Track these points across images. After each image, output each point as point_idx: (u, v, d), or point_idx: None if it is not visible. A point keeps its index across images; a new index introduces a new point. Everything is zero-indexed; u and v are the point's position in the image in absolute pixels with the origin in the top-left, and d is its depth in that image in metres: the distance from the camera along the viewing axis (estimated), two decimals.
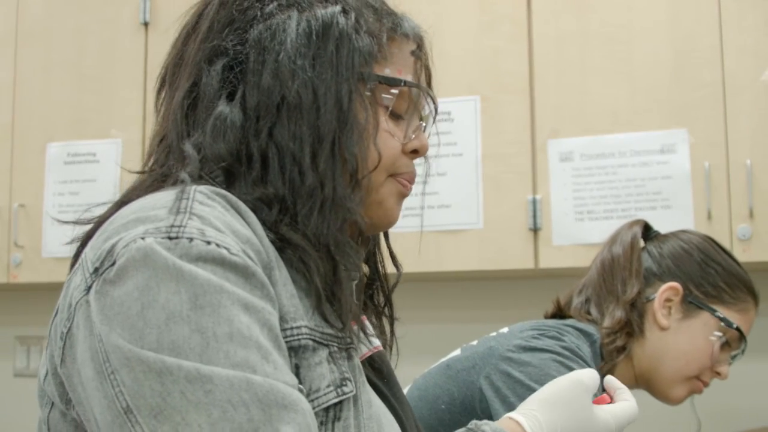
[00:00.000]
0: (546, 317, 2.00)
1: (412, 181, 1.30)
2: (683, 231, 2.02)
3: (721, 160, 2.92)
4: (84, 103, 3.54)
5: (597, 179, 3.01)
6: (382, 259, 1.41)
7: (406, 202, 3.32)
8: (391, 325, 1.40)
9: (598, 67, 3.06)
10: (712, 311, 1.93)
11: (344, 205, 1.17)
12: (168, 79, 1.29)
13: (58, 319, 1.09)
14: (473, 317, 2.99)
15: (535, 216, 3.02)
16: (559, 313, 1.98)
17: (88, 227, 1.18)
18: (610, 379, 1.38)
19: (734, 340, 1.96)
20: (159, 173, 1.21)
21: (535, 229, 3.02)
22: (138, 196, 1.15)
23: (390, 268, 1.41)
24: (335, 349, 1.14)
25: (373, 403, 1.17)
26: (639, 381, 1.97)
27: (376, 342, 1.30)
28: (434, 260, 3.13)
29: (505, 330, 1.89)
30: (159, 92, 1.30)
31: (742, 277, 1.97)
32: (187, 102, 1.22)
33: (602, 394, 1.34)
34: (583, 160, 3.02)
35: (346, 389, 1.12)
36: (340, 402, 1.11)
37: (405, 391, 1.93)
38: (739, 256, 2.79)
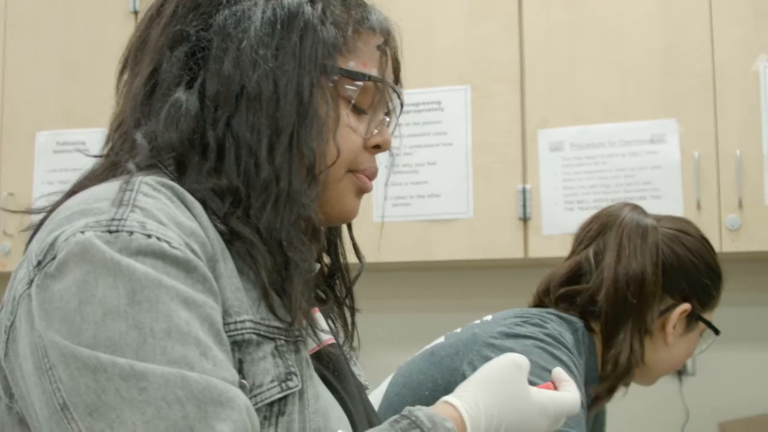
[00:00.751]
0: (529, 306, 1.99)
1: (372, 177, 1.28)
2: (682, 230, 1.95)
3: (711, 150, 2.92)
4: (73, 92, 3.53)
5: (587, 169, 3.01)
6: (344, 250, 1.39)
7: (397, 192, 3.34)
8: (352, 315, 1.38)
9: (588, 58, 3.06)
10: (706, 322, 1.94)
11: (299, 201, 1.15)
12: (130, 62, 1.27)
13: (3, 312, 1.08)
14: (462, 306, 3.00)
15: (524, 205, 3.03)
16: (541, 304, 1.98)
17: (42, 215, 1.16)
18: (558, 371, 1.36)
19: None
20: (110, 162, 1.20)
21: (525, 219, 3.03)
22: (88, 185, 1.14)
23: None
24: (282, 342, 1.12)
25: (320, 396, 1.15)
26: None
27: (327, 336, 1.28)
28: (424, 249, 3.13)
29: (488, 318, 1.89)
30: (120, 75, 1.28)
31: (722, 279, 1.97)
32: (146, 88, 1.20)
33: (547, 382, 1.34)
34: (573, 150, 3.03)
35: (290, 383, 1.10)
36: (285, 397, 1.10)
37: (389, 378, 1.93)
38: (727, 247, 2.82)
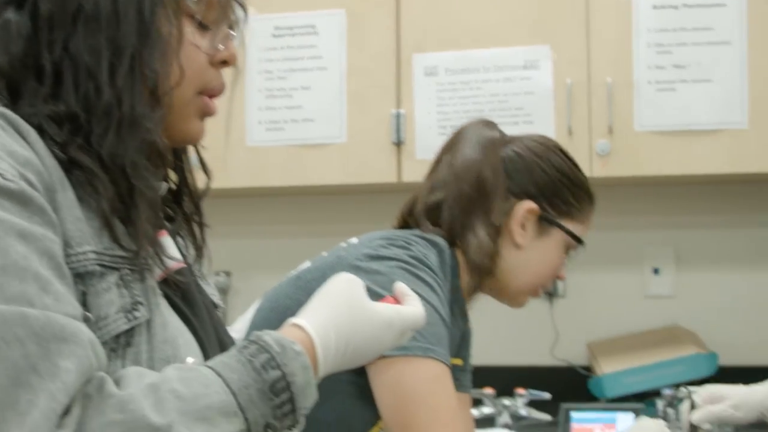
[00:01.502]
0: (394, 228, 1.99)
1: (219, 93, 1.25)
2: (533, 140, 2.00)
3: (583, 77, 2.95)
4: None
5: (461, 94, 3.02)
6: (190, 166, 1.34)
7: (270, 117, 3.29)
8: (202, 231, 1.35)
9: None
10: (563, 228, 1.95)
11: (142, 125, 1.11)
12: None
13: None
14: (337, 231, 2.98)
15: (398, 130, 3.03)
16: (406, 225, 1.98)
17: None
18: (400, 285, 1.36)
19: (574, 247, 1.99)
20: None
21: (399, 143, 3.03)
22: None
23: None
24: (127, 271, 1.09)
25: (169, 325, 1.14)
26: (485, 289, 1.98)
27: (175, 261, 1.24)
28: (297, 174, 3.11)
29: (354, 240, 1.89)
30: None
31: (587, 188, 1.98)
32: None
33: (387, 296, 1.33)
34: (448, 75, 3.03)
35: (137, 314, 1.08)
36: (132, 328, 1.08)
37: (255, 304, 1.92)
38: (598, 171, 2.87)
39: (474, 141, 1.96)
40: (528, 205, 1.91)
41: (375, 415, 1.75)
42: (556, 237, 1.95)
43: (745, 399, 1.98)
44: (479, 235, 1.89)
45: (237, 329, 1.90)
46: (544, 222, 1.93)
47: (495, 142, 1.95)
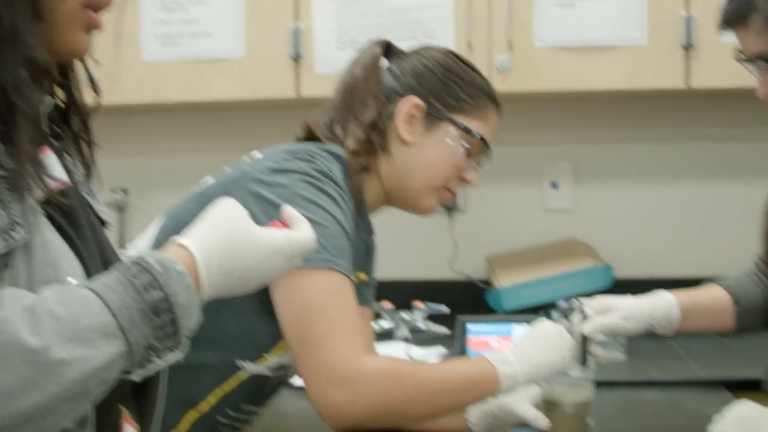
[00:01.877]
0: (297, 141, 1.99)
1: (105, 6, 1.20)
2: (425, 47, 2.02)
3: None
4: None
5: (360, 8, 2.99)
6: (78, 83, 1.29)
7: (166, 31, 3.23)
8: (90, 149, 1.30)
9: None
10: (453, 121, 1.94)
11: (24, 41, 1.07)
12: None
13: None
14: (236, 147, 2.97)
15: (297, 44, 3.00)
16: (310, 137, 1.98)
17: None
18: (287, 209, 1.35)
19: (477, 147, 1.98)
20: None
21: (297, 58, 3.00)
22: None
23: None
24: (5, 191, 1.05)
25: (50, 246, 1.10)
26: (389, 197, 1.98)
27: (58, 180, 1.19)
28: (195, 89, 3.07)
29: (258, 155, 1.88)
30: None
31: (482, 85, 1.99)
32: None
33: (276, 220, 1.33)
34: None
35: (15, 235, 1.04)
36: (10, 250, 1.04)
37: (156, 221, 1.90)
38: (497, 87, 2.84)
39: (356, 57, 2.01)
40: (412, 100, 1.92)
41: (280, 331, 1.75)
42: (448, 131, 1.94)
43: (633, 311, 2.02)
44: (355, 134, 1.91)
45: (138, 247, 1.88)
46: (432, 117, 1.94)
47: (374, 53, 1.98)
